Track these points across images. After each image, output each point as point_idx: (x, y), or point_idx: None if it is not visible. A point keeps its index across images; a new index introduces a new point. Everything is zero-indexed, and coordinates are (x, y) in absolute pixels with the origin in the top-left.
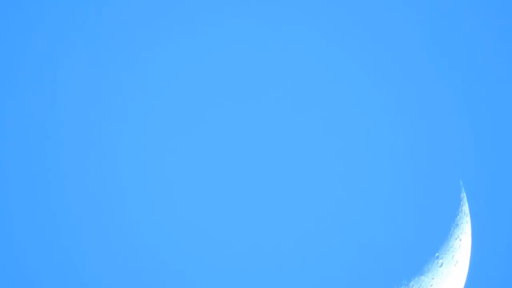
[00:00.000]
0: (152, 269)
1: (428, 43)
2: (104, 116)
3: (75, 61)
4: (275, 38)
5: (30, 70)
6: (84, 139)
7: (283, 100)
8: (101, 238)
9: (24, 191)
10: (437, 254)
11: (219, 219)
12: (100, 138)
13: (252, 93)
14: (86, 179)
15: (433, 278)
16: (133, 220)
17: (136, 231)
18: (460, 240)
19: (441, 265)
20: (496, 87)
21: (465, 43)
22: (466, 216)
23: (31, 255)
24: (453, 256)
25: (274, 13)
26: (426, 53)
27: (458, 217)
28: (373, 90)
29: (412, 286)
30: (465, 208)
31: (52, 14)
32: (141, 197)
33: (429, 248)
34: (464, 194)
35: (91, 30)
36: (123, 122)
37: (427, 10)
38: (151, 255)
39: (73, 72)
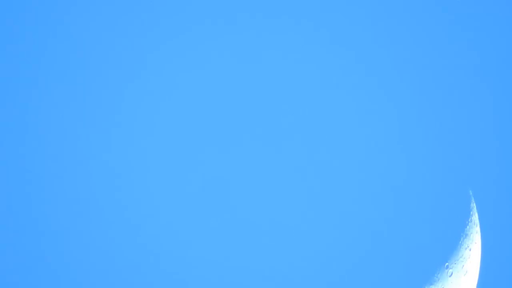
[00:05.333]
0: (151, 270)
1: (438, 45)
2: (101, 116)
3: (74, 61)
4: (274, 39)
5: (27, 70)
6: (81, 139)
7: (285, 101)
8: (96, 238)
9: (19, 190)
10: (447, 264)
11: (220, 220)
12: (97, 138)
13: (251, 94)
14: (82, 179)
15: None
16: (132, 220)
17: (136, 231)
18: (470, 250)
19: (451, 274)
20: (506, 95)
21: (477, 46)
22: (476, 226)
23: (25, 255)
24: (463, 266)
25: (273, 13)
26: (441, 58)
27: (467, 227)
28: (382, 102)
29: None
30: (475, 218)
31: (51, 14)
32: (142, 197)
33: (439, 258)
34: (474, 204)
35: (89, 29)
36: (120, 122)
37: (432, 10)
38: (150, 256)
39: (73, 72)
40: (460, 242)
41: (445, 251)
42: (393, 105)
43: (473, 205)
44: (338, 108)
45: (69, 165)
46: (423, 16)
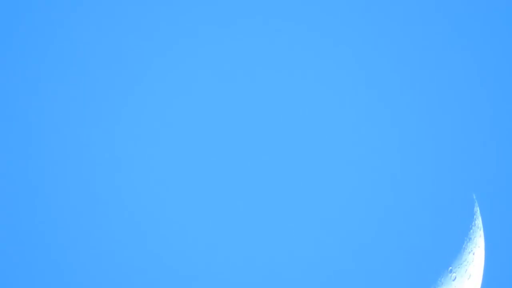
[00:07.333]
0: (152, 270)
1: (439, 45)
2: (100, 116)
3: (75, 61)
4: (273, 38)
5: (28, 70)
6: (80, 139)
7: (285, 101)
8: (98, 238)
9: (19, 190)
10: (450, 268)
11: (221, 220)
12: (96, 139)
13: (251, 94)
14: (85, 179)
15: None
16: (133, 220)
17: (136, 232)
18: (473, 254)
19: (455, 279)
20: (507, 98)
21: (478, 46)
22: (480, 230)
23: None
24: (466, 270)
25: (273, 13)
26: (446, 59)
27: (471, 231)
28: (385, 106)
29: None
30: (478, 222)
31: (52, 14)
32: (142, 197)
33: (442, 262)
34: (477, 208)
35: (88, 29)
36: (119, 122)
37: (432, 10)
38: (151, 256)
39: (74, 73)
40: (463, 246)
41: (449, 255)
42: (395, 108)
43: (477, 209)
44: (340, 110)
45: (73, 166)
46: (423, 16)
